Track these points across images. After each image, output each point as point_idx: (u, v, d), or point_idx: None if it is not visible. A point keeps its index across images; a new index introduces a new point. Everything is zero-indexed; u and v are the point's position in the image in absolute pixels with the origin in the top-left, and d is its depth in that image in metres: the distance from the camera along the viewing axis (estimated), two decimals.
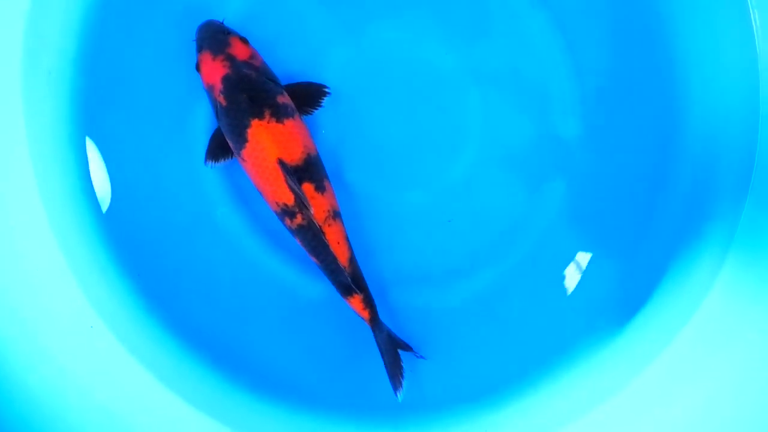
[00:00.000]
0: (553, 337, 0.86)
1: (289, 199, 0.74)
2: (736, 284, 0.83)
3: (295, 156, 0.74)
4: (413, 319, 0.85)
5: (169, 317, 0.82)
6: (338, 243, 0.77)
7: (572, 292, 0.86)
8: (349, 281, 0.76)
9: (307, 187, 0.75)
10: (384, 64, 0.85)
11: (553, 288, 0.86)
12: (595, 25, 0.85)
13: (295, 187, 0.73)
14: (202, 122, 0.83)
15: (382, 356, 0.80)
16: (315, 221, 0.74)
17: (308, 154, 0.76)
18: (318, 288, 0.84)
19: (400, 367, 0.80)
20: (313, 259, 0.78)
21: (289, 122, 0.75)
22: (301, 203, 0.73)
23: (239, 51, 0.75)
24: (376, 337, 0.80)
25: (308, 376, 0.83)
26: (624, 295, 0.86)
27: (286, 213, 0.75)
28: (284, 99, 0.76)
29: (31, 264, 0.77)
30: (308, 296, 0.85)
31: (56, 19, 0.80)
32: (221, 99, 0.74)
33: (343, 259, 0.77)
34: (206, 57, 0.74)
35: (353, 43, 0.84)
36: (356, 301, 0.78)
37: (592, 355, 0.85)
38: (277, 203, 0.75)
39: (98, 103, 0.81)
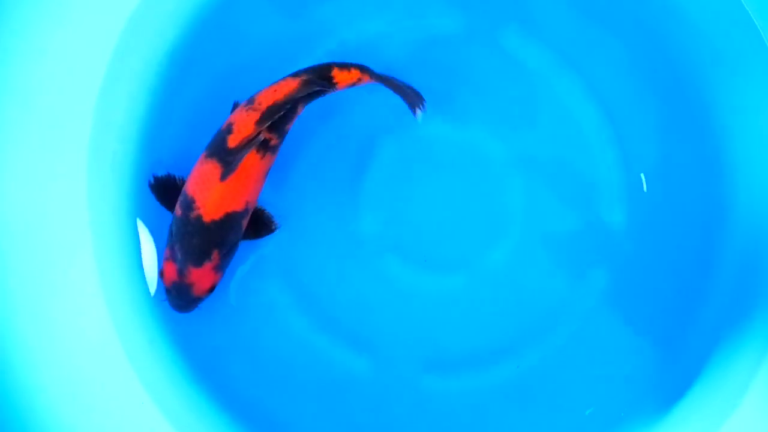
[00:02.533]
0: (594, 423, 0.86)
1: None
2: None
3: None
4: (453, 402, 0.85)
5: (217, 392, 0.83)
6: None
7: (614, 379, 0.86)
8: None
9: None
10: (431, 149, 0.87)
11: (595, 373, 0.87)
12: (643, 117, 0.87)
13: None
14: None
15: (396, 88, 0.79)
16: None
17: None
18: (363, 363, 0.85)
19: (415, 91, 0.80)
20: None
21: None
22: None
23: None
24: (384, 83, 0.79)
25: None
26: (666, 383, 0.86)
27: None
28: None
29: (87, 341, 0.79)
30: (352, 372, 0.85)
31: (122, 102, 0.83)
32: None
33: None
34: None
35: (404, 126, 0.86)
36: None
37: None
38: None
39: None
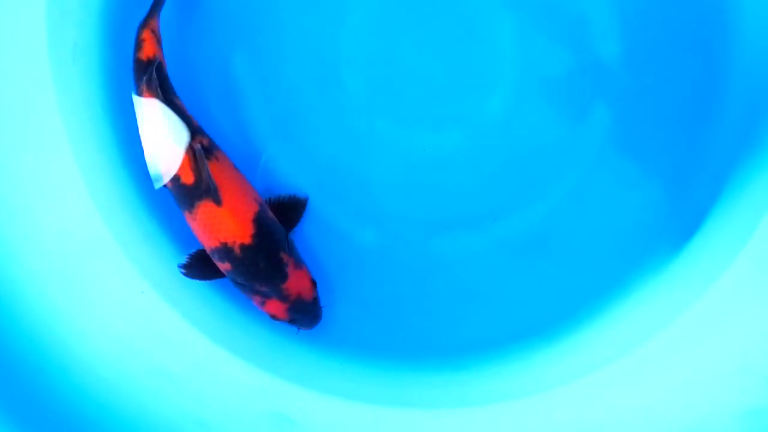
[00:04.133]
0: (608, 268, 0.83)
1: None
2: None
3: None
4: (462, 262, 0.83)
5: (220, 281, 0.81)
6: None
7: (624, 221, 0.83)
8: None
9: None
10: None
11: (605, 218, 0.84)
12: None
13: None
14: (235, 83, 0.82)
15: None
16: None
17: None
18: (365, 233, 0.83)
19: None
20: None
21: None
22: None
23: None
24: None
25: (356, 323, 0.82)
26: (678, 220, 0.83)
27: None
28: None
29: (76, 236, 0.77)
30: (354, 243, 0.83)
31: None
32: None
33: None
34: None
35: None
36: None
37: (649, 283, 0.83)
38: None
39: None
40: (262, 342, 0.80)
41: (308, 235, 0.82)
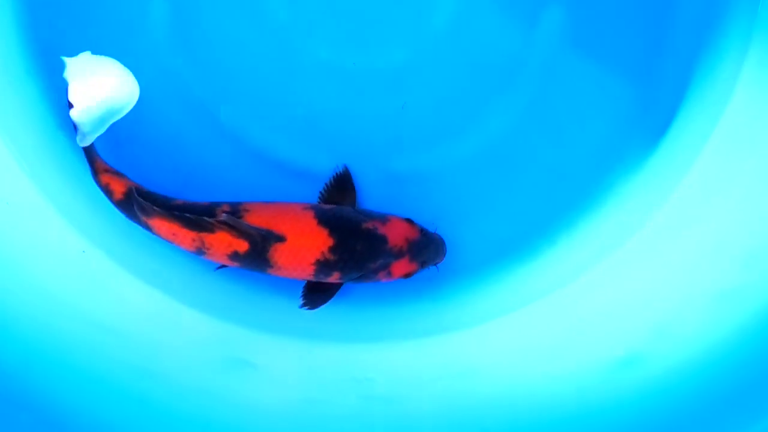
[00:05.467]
0: (580, 175, 0.79)
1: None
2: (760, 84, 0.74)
3: None
4: (424, 184, 0.79)
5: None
6: None
7: (593, 125, 0.79)
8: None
9: None
10: None
11: (572, 125, 0.79)
12: None
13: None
14: None
15: None
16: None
17: None
18: (322, 165, 0.78)
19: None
20: None
21: None
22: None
23: None
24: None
25: None
26: (648, 117, 0.79)
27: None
28: None
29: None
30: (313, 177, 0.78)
31: None
32: None
33: None
34: None
35: None
36: None
37: (623, 185, 0.79)
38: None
39: None
40: (213, 289, 0.76)
41: (261, 177, 0.78)
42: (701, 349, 0.66)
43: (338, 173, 0.76)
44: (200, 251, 0.68)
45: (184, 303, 0.74)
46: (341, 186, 0.75)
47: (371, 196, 0.78)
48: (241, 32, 0.78)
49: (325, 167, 0.78)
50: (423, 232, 0.73)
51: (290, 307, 0.75)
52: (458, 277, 0.78)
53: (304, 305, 0.74)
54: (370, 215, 0.72)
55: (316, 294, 0.74)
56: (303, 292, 0.74)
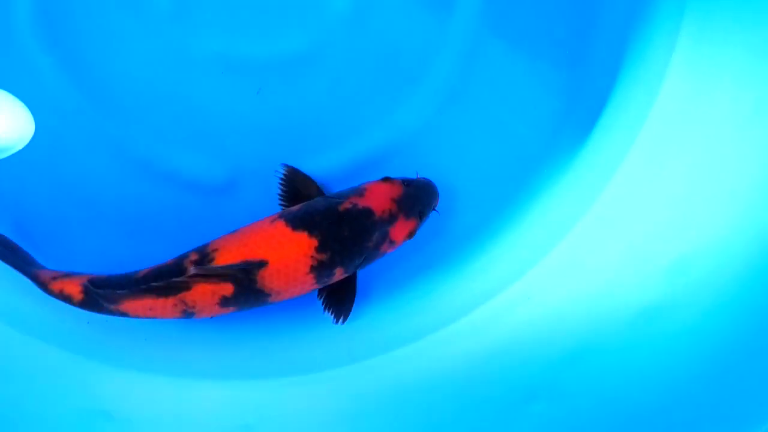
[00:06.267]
0: (516, 165, 0.73)
1: None
2: (693, 60, 0.70)
3: None
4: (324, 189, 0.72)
5: None
6: None
7: (515, 120, 0.73)
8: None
9: None
10: None
11: (495, 115, 0.73)
12: None
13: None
14: None
15: None
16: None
17: None
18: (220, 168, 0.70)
19: None
20: None
21: None
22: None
23: None
24: None
25: None
26: (575, 111, 0.73)
27: None
28: None
29: None
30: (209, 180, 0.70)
31: None
32: None
33: None
34: None
35: None
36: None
37: (562, 174, 0.73)
38: None
39: None
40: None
41: (153, 187, 0.71)
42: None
43: (284, 174, 0.70)
44: (187, 313, 0.62)
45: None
46: (295, 183, 0.70)
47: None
48: (117, 25, 0.70)
49: (223, 175, 0.71)
50: (406, 183, 0.68)
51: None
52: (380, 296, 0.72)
53: (338, 320, 0.69)
54: (343, 194, 0.67)
55: (336, 298, 0.69)
56: (324, 307, 0.69)
